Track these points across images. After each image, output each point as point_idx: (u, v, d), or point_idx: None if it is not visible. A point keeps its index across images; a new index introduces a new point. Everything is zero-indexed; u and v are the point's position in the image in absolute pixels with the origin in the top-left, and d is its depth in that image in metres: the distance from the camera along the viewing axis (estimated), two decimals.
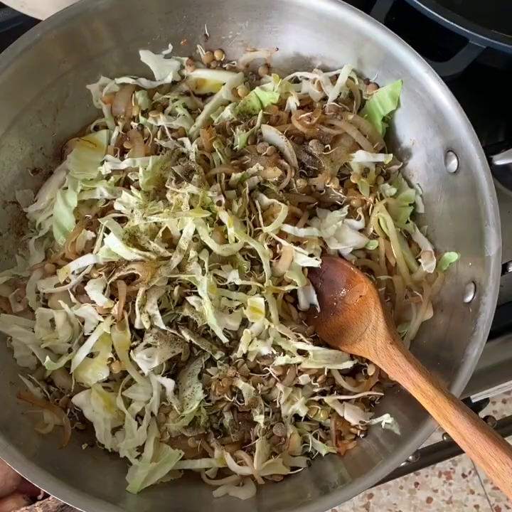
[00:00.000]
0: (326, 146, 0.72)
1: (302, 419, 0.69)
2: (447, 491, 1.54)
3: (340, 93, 0.75)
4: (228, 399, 0.67)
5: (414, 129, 0.74)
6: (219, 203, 0.68)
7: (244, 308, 0.67)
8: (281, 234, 0.69)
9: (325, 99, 0.76)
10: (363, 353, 0.67)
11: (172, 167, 0.70)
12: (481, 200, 0.65)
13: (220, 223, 0.68)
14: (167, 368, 0.69)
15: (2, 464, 0.61)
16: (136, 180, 0.71)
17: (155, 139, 0.74)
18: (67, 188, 0.73)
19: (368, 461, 0.64)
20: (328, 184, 0.72)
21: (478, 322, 0.63)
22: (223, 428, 0.69)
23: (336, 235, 0.71)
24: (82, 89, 0.76)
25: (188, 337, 0.67)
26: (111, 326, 0.67)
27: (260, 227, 0.69)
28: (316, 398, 0.69)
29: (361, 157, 0.73)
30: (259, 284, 0.68)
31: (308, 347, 0.67)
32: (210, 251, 0.68)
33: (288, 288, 0.69)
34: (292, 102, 0.75)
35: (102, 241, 0.69)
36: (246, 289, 0.69)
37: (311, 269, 0.70)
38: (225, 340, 0.67)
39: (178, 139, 0.74)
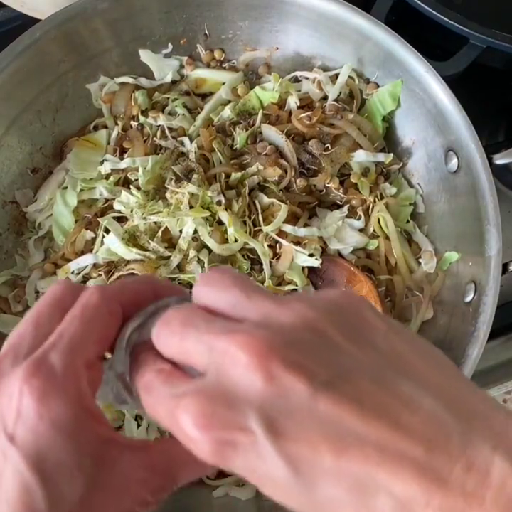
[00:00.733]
0: (326, 146, 0.72)
1: None
2: None
3: (340, 92, 0.75)
4: None
5: (415, 128, 0.74)
6: (219, 203, 0.67)
7: None
8: (281, 234, 0.69)
9: (325, 98, 0.75)
10: None
11: (172, 167, 0.70)
12: (481, 199, 0.65)
13: (220, 223, 0.68)
14: None
15: None
16: (136, 179, 0.71)
17: (154, 138, 0.74)
18: (66, 187, 0.73)
19: None
20: (328, 184, 0.72)
21: (478, 322, 0.62)
22: None
23: (336, 234, 0.71)
24: (82, 89, 0.76)
25: None
26: None
27: (260, 226, 0.68)
28: None
29: (361, 157, 0.73)
30: (259, 284, 0.68)
31: None
32: (210, 251, 0.68)
33: (288, 288, 0.69)
34: (292, 101, 0.75)
35: (102, 241, 0.69)
36: None
37: (311, 269, 0.70)
38: None
39: (178, 139, 0.74)
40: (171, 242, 0.68)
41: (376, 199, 0.72)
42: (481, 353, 0.62)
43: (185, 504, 0.65)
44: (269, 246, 0.69)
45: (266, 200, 0.69)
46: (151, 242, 0.67)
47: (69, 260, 0.70)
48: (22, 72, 0.69)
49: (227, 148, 0.73)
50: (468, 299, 0.65)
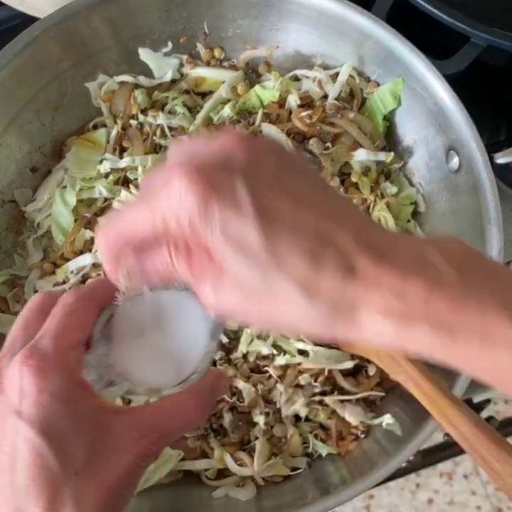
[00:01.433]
0: (327, 145, 0.72)
1: (302, 419, 0.69)
2: (448, 492, 1.54)
3: (340, 91, 0.74)
4: (228, 399, 0.67)
5: (416, 127, 0.73)
6: None
7: None
8: None
9: (325, 97, 0.75)
10: (363, 353, 0.67)
11: None
12: (482, 198, 0.64)
13: None
14: None
15: None
16: (135, 178, 0.70)
17: (154, 137, 0.74)
18: (65, 186, 0.73)
19: (368, 462, 0.64)
20: None
21: None
22: (223, 428, 0.68)
23: None
24: (81, 88, 0.76)
25: None
26: None
27: None
28: (317, 398, 0.68)
29: (362, 156, 0.73)
30: None
31: (309, 347, 0.67)
32: None
33: None
34: (292, 100, 0.74)
35: None
36: None
37: None
38: (225, 340, 0.67)
39: (178, 138, 0.74)
40: None
41: (377, 198, 0.72)
42: None
43: (185, 505, 0.65)
44: None
45: None
46: None
47: (68, 260, 0.70)
48: (21, 70, 0.69)
49: None
50: None
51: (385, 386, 0.70)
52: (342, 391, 0.69)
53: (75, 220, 0.71)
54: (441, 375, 0.63)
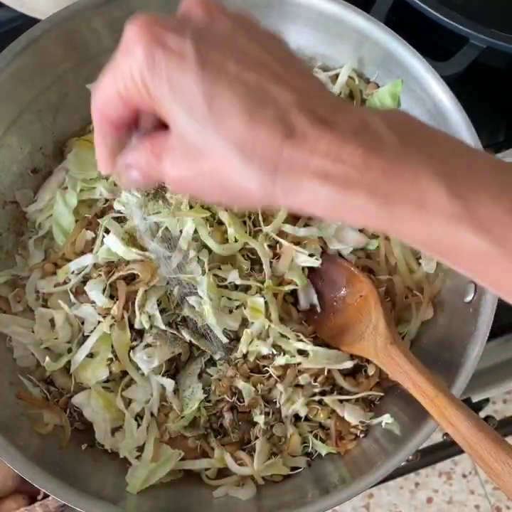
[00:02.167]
0: None
1: (302, 419, 0.69)
2: (448, 491, 1.54)
3: (340, 92, 0.75)
4: (228, 399, 0.67)
5: None
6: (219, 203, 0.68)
7: (244, 308, 0.67)
8: (281, 234, 0.69)
9: None
10: (363, 353, 0.67)
11: None
12: None
13: (220, 223, 0.68)
14: (167, 368, 0.69)
15: (1, 464, 0.61)
16: None
17: None
18: (66, 187, 0.73)
19: (368, 461, 0.64)
20: None
21: (478, 322, 0.62)
22: (223, 428, 0.69)
23: (335, 234, 0.71)
24: (82, 89, 0.76)
25: (187, 337, 0.67)
26: (111, 326, 0.67)
27: (260, 226, 0.68)
28: (316, 398, 0.68)
29: None
30: (259, 284, 0.68)
31: (309, 347, 0.67)
32: (210, 251, 0.68)
33: (288, 288, 0.69)
34: None
35: (102, 241, 0.69)
36: (246, 288, 0.69)
37: (311, 269, 0.70)
38: (225, 340, 0.67)
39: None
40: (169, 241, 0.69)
41: None
42: (481, 353, 0.62)
43: (185, 504, 0.65)
44: (269, 246, 0.69)
45: None
46: (151, 242, 0.67)
47: (69, 260, 0.70)
48: (22, 72, 0.69)
49: None
50: (468, 299, 0.65)
51: (384, 386, 0.70)
52: (341, 391, 0.69)
53: (76, 221, 0.72)
54: (440, 374, 0.63)
